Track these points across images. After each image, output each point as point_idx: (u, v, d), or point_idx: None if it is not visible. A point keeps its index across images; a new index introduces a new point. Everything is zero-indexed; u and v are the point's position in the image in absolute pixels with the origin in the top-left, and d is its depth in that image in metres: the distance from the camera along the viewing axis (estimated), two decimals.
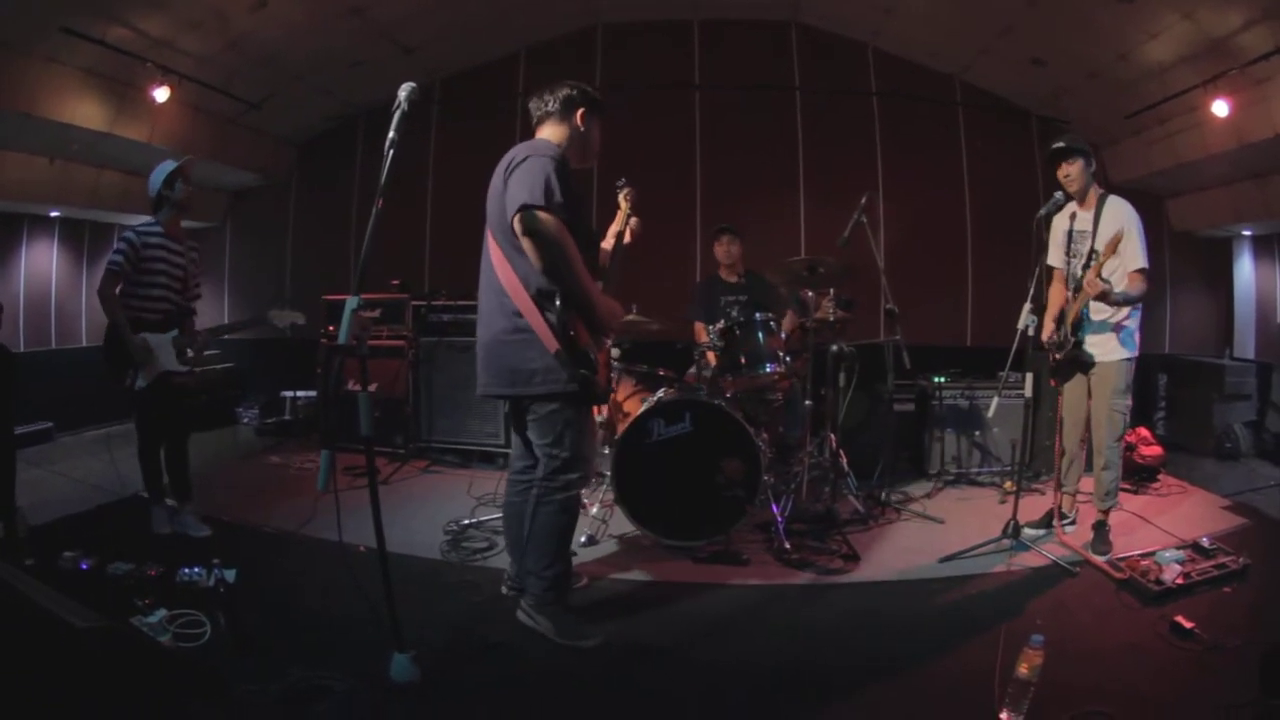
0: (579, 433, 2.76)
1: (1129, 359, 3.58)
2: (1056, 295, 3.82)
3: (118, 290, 3.61)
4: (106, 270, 3.59)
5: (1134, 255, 3.43)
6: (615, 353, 4.24)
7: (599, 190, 6.38)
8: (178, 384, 3.73)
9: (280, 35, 5.23)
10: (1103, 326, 3.57)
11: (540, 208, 2.48)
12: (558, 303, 2.59)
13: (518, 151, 2.67)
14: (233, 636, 2.60)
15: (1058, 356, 3.69)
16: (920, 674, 2.59)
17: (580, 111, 2.83)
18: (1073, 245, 3.70)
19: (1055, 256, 3.82)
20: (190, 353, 3.74)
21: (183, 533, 3.73)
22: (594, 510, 3.92)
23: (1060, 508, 3.92)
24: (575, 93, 2.83)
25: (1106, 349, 3.58)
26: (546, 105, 2.84)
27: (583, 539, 3.69)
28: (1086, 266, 3.55)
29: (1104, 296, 3.36)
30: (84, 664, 1.75)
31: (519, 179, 2.55)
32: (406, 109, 2.25)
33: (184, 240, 3.81)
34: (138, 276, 3.62)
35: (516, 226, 2.52)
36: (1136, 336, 3.61)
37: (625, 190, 3.27)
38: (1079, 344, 3.57)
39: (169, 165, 3.71)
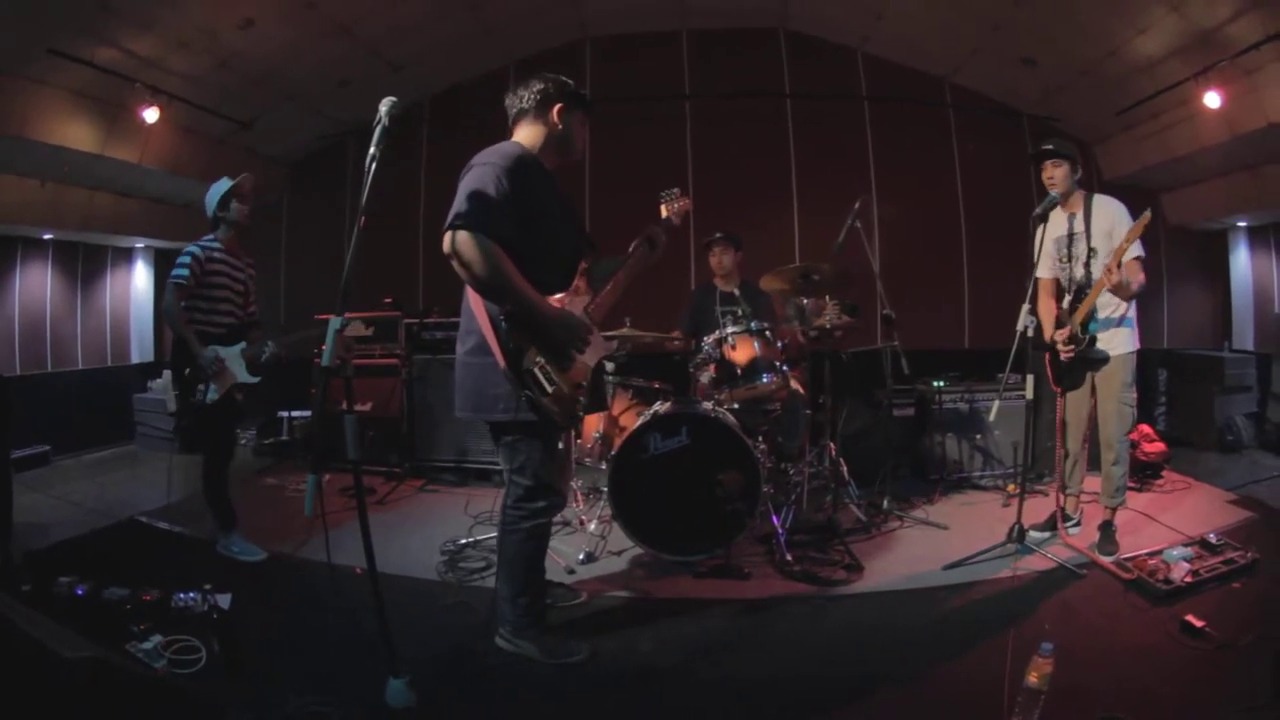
0: (542, 462, 2.63)
1: (1132, 353, 3.61)
2: (1049, 307, 3.78)
3: (182, 305, 3.60)
4: (171, 285, 3.56)
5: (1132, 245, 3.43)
6: (609, 366, 4.19)
7: (594, 200, 6.42)
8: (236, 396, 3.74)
9: (269, 54, 5.25)
10: (1109, 323, 3.58)
11: (466, 226, 2.33)
12: (502, 319, 2.46)
13: (474, 158, 2.52)
14: (227, 663, 2.56)
15: (1069, 358, 3.65)
16: (928, 684, 2.54)
17: (557, 107, 2.66)
18: (1064, 249, 3.69)
19: (1045, 268, 3.77)
20: (266, 356, 3.72)
21: (232, 556, 3.69)
22: (592, 526, 3.88)
23: (1064, 509, 3.89)
24: (551, 87, 2.66)
25: (1113, 344, 3.59)
26: (521, 102, 2.68)
27: (581, 556, 3.65)
28: (1088, 266, 3.58)
29: (1120, 288, 3.37)
30: (72, 696, 1.71)
31: (460, 191, 2.41)
32: (387, 124, 2.20)
33: (242, 257, 3.83)
34: (201, 291, 3.62)
35: (443, 245, 2.36)
36: (1136, 330, 3.64)
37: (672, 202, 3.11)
38: (1093, 341, 3.56)
39: (224, 185, 3.70)
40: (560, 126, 2.68)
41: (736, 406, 3.90)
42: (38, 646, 1.76)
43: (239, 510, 3.79)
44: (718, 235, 4.70)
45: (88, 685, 1.74)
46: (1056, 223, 3.70)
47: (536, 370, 2.48)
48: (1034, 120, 6.48)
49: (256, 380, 3.74)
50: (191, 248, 3.63)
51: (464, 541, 3.81)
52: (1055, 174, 3.62)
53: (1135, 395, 3.66)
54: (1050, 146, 3.63)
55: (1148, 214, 3.22)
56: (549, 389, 2.49)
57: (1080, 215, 3.63)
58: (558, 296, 2.61)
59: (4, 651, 1.76)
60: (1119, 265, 3.32)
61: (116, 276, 6.94)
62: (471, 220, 2.34)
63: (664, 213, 3.10)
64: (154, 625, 2.69)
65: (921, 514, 4.31)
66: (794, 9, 6.46)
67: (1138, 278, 3.44)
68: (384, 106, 2.21)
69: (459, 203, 2.38)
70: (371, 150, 2.18)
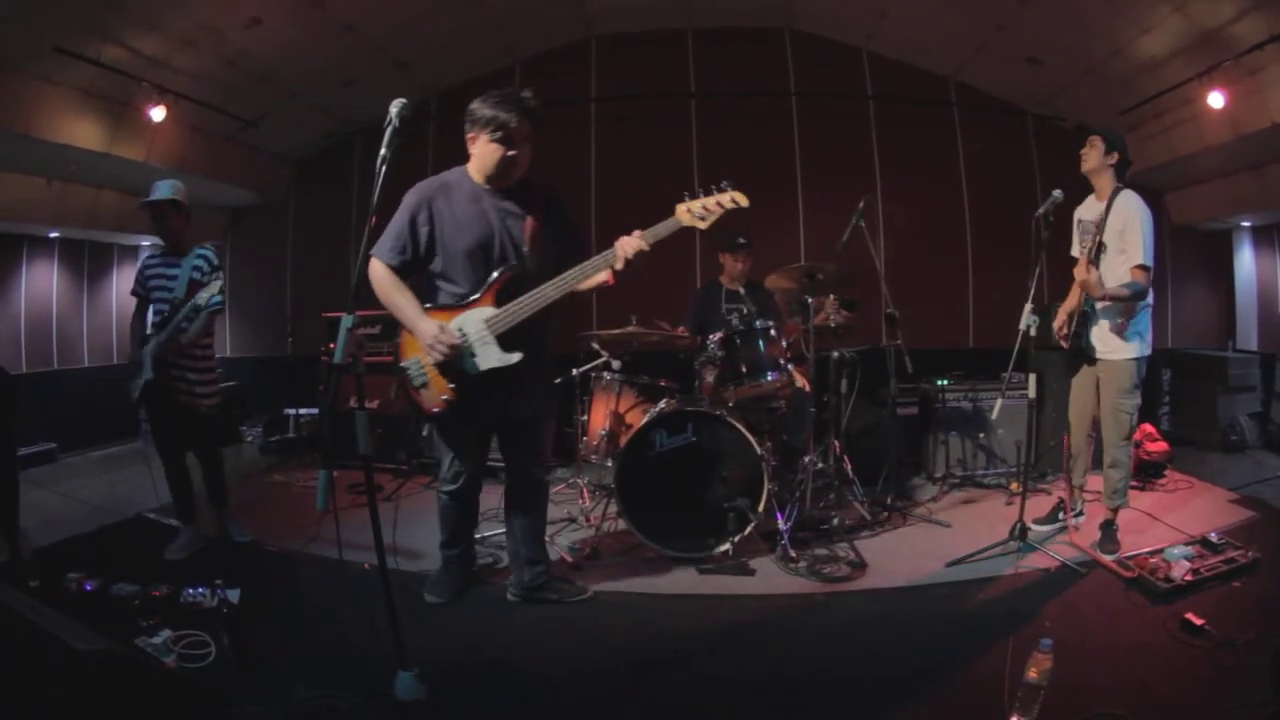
0: (438, 441, 3.12)
1: (1137, 358, 3.51)
2: (1077, 288, 3.72)
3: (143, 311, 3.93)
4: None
5: (1136, 250, 3.39)
6: (614, 364, 4.22)
7: (600, 202, 6.43)
8: (183, 401, 3.79)
9: (275, 53, 5.25)
10: (1111, 323, 3.53)
11: (372, 250, 2.80)
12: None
13: None
14: (236, 656, 2.59)
15: (1065, 348, 3.67)
16: (929, 681, 2.56)
17: (469, 136, 2.88)
18: (1088, 236, 3.64)
19: (1076, 248, 3.77)
20: (154, 352, 3.74)
21: (227, 539, 3.92)
22: (597, 523, 3.90)
23: (1068, 500, 3.91)
24: (468, 118, 2.87)
25: (1113, 346, 3.54)
26: None
27: (586, 551, 3.68)
28: (1093, 258, 3.52)
29: (1088, 286, 3.35)
30: (85, 687, 1.74)
31: None
32: (398, 125, 2.24)
33: (190, 253, 3.82)
34: (147, 296, 3.89)
35: None
36: (1148, 335, 3.55)
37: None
38: (1078, 335, 3.56)
39: (153, 189, 3.81)
40: (475, 152, 2.90)
41: (741, 404, 3.92)
42: (51, 639, 1.79)
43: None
44: (741, 241, 4.66)
45: (100, 677, 1.77)
46: (1091, 208, 3.66)
47: (409, 368, 2.87)
48: (1038, 119, 6.48)
49: (152, 377, 3.72)
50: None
51: None
52: (1088, 154, 3.57)
53: (1137, 402, 3.57)
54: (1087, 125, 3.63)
55: (1126, 217, 3.29)
56: (412, 385, 2.88)
57: (1103, 207, 3.54)
58: (473, 299, 2.86)
59: (18, 644, 1.79)
60: (1091, 262, 3.32)
61: (123, 274, 6.94)
62: (374, 246, 2.82)
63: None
64: (163, 620, 2.73)
65: (924, 512, 4.34)
66: (799, 7, 6.46)
67: (1135, 285, 3.37)
68: (394, 108, 2.25)
69: (382, 233, 2.86)
70: (382, 151, 2.21)
